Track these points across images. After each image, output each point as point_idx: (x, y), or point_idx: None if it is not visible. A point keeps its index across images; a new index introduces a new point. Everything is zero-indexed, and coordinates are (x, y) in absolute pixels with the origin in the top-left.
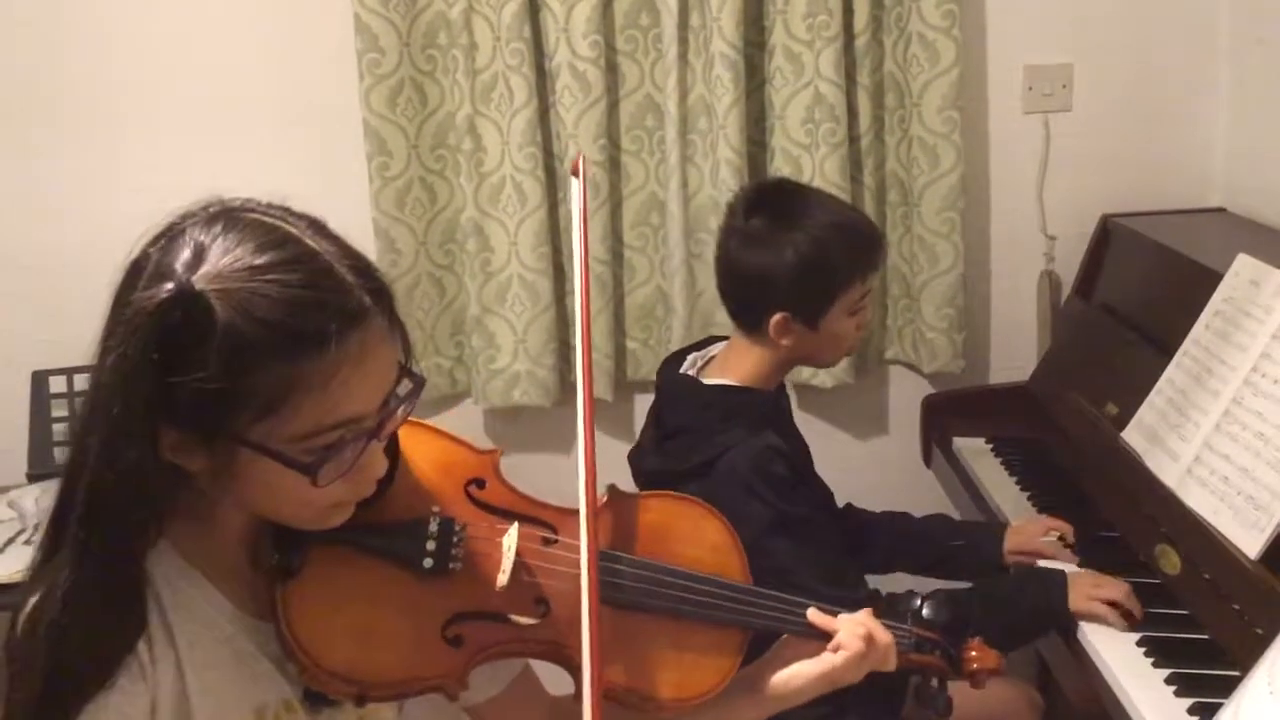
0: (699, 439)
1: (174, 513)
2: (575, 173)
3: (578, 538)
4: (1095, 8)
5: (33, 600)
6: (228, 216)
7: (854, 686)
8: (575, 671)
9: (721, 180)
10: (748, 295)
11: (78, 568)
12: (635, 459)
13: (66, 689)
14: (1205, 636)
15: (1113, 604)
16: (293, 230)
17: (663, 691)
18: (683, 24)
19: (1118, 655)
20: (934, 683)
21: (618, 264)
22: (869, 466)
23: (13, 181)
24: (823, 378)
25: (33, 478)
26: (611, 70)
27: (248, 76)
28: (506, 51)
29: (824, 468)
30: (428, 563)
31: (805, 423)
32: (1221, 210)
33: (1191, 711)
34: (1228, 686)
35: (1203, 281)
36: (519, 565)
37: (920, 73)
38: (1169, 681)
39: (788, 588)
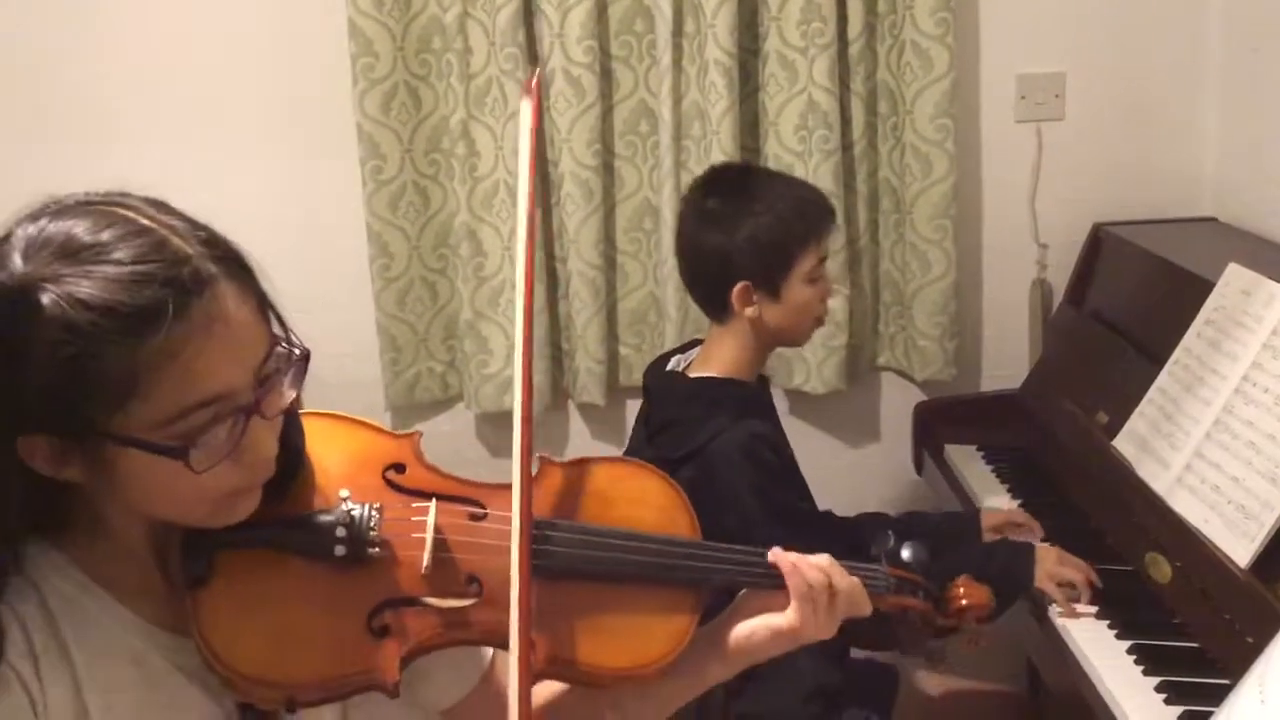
0: (687, 429)
1: (70, 527)
2: (528, 92)
3: (507, 509)
4: (1088, 17)
5: None
6: (56, 209)
7: (849, 676)
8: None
9: None
10: (711, 275)
11: None
12: None
13: None
14: (1195, 645)
15: (1070, 585)
16: (125, 211)
17: (615, 661)
18: (677, 30)
19: (1107, 662)
20: (919, 626)
21: (610, 269)
22: (860, 473)
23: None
24: (814, 384)
25: None
26: (606, 76)
27: (241, 80)
28: (501, 56)
29: (815, 474)
30: (339, 550)
31: (797, 429)
32: (1213, 219)
33: None
34: (1218, 695)
35: (1194, 290)
36: (445, 545)
37: (914, 80)
38: (1159, 690)
39: None
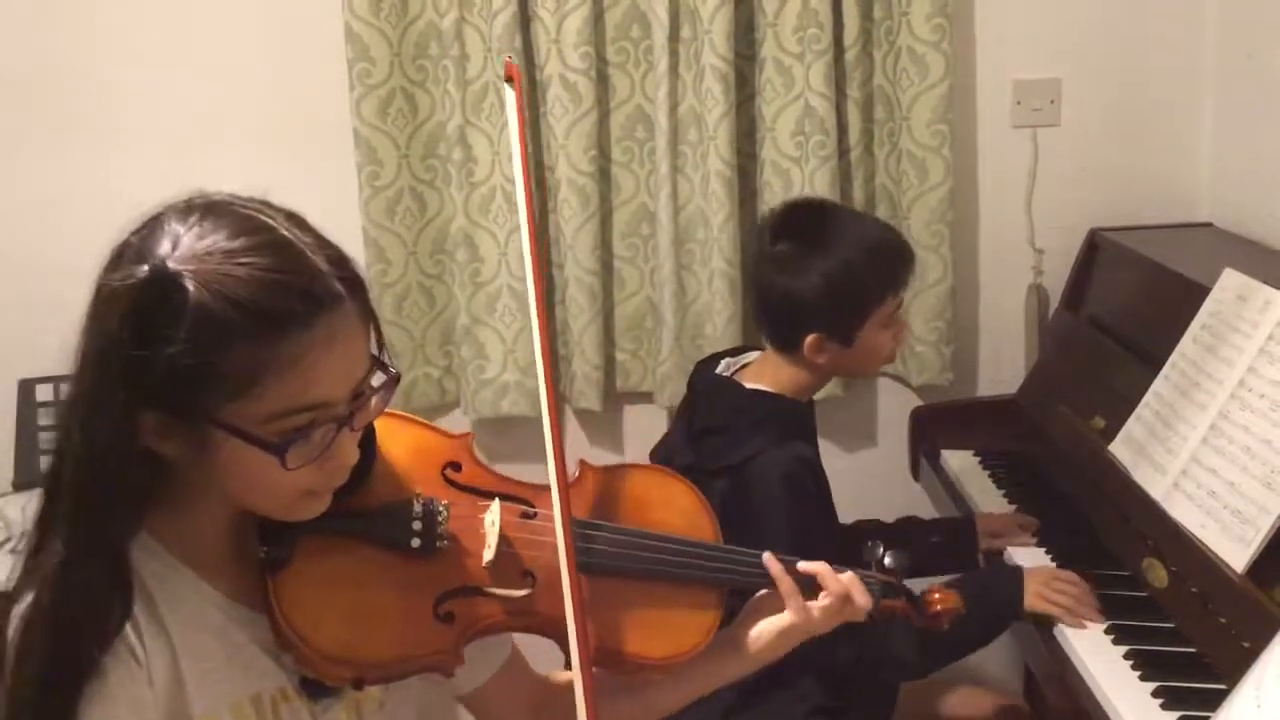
0: (730, 441)
1: (155, 504)
2: (509, 79)
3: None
4: (1084, 23)
5: (27, 597)
6: (206, 206)
7: (856, 686)
8: (565, 642)
9: (711, 192)
10: (780, 318)
11: (63, 555)
12: (662, 456)
13: (64, 674)
14: (1192, 650)
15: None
16: (268, 220)
17: (653, 651)
18: (673, 36)
19: (1104, 668)
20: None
21: (607, 274)
22: (857, 478)
23: (1, 185)
24: None
25: (19, 486)
26: (602, 81)
27: (238, 84)
28: (497, 62)
29: None
30: (415, 543)
31: None
32: (1209, 225)
33: None
34: (1214, 700)
35: (1190, 296)
36: (503, 540)
37: (910, 86)
38: (1156, 695)
39: None
